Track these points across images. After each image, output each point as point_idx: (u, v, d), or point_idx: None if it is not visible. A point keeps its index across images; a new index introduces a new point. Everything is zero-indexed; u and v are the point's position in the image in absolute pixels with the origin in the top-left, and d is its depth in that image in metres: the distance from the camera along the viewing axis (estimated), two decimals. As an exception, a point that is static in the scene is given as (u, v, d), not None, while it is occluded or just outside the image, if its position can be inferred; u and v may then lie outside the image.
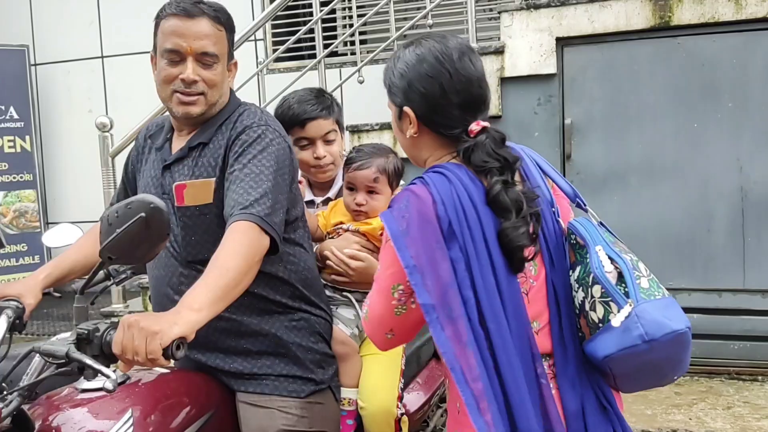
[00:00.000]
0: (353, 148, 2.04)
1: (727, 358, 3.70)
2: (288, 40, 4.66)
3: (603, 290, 1.33)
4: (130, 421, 1.44)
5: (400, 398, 1.90)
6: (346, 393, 1.86)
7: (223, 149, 1.70)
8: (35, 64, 6.20)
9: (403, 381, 1.94)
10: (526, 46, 3.75)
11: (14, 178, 5.93)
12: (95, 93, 6.07)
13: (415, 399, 2.07)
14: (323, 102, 2.06)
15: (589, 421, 1.37)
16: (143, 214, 1.32)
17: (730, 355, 3.70)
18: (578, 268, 1.40)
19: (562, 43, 3.72)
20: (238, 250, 1.51)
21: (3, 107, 5.89)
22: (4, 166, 5.85)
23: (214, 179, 1.69)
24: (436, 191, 1.35)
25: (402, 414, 1.88)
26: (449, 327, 1.29)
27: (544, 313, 1.40)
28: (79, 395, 1.49)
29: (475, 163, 1.38)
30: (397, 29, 4.18)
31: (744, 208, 3.58)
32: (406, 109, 1.45)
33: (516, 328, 1.33)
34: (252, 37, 5.30)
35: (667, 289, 1.36)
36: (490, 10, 4.98)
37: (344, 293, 1.97)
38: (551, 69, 3.72)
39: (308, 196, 2.14)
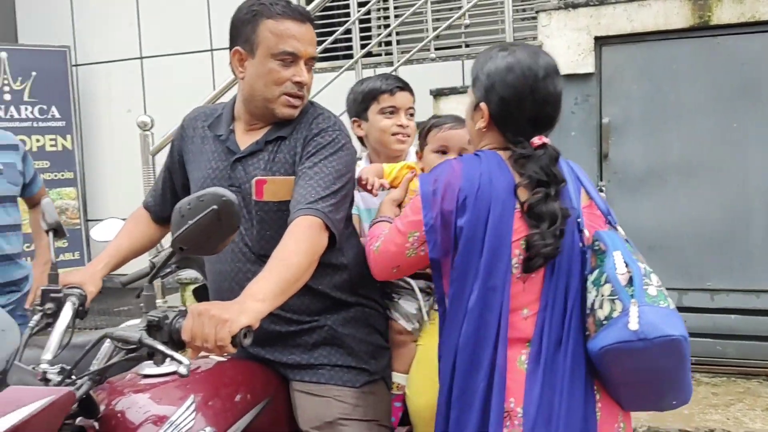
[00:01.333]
0: (431, 117, 2.12)
1: (765, 359, 3.67)
2: (324, 40, 4.72)
3: (612, 289, 1.44)
4: (192, 406, 1.50)
5: None
6: (396, 378, 1.91)
7: (300, 147, 1.75)
8: (76, 65, 6.34)
9: None
10: (563, 45, 3.75)
11: (56, 176, 6.08)
12: (134, 93, 6.20)
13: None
14: (405, 82, 2.20)
15: (559, 408, 1.47)
16: (215, 207, 1.37)
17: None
18: (596, 272, 1.51)
19: (600, 42, 3.72)
20: (302, 246, 1.57)
21: (45, 107, 6.05)
22: (46, 164, 6.00)
23: (293, 177, 1.74)
24: (466, 169, 1.56)
25: None
26: (443, 282, 1.60)
27: (536, 304, 1.52)
28: (142, 381, 1.55)
29: (527, 172, 1.53)
30: (434, 29, 4.21)
31: (784, 208, 3.55)
32: (483, 105, 1.60)
33: (486, 300, 1.51)
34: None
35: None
36: (523, 10, 4.98)
37: (407, 281, 2.00)
38: (589, 68, 3.72)
39: None
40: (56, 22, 6.36)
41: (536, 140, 1.56)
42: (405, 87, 2.16)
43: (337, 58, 5.43)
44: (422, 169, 1.96)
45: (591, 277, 1.52)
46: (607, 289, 1.45)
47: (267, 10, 1.71)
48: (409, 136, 2.14)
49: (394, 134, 2.11)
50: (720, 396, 3.46)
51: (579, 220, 1.57)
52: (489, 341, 1.50)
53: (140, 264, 2.21)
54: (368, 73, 4.60)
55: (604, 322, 1.43)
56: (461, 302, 1.54)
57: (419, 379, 1.90)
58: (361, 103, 2.16)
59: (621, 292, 1.42)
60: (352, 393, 1.76)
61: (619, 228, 1.64)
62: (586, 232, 1.57)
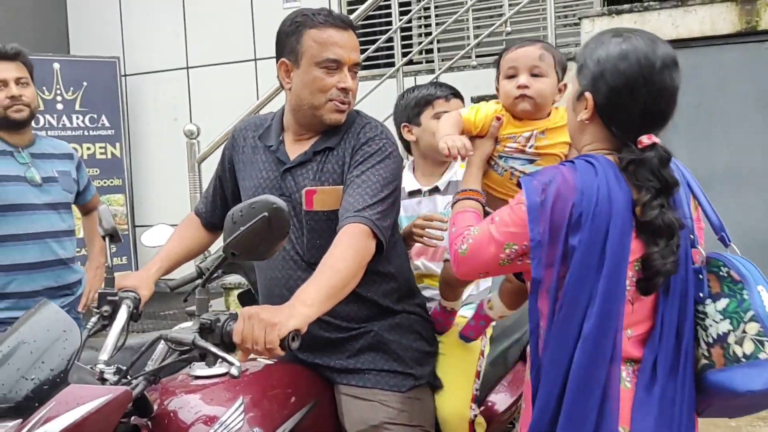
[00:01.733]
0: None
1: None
2: (366, 49, 4.78)
3: (761, 329, 1.35)
4: (241, 407, 1.54)
5: (474, 399, 1.91)
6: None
7: (348, 157, 1.78)
8: (125, 75, 6.53)
9: (478, 382, 1.96)
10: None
11: (105, 182, 6.26)
12: (180, 102, 6.35)
13: (501, 400, 2.10)
14: (456, 90, 2.20)
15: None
16: (266, 214, 1.41)
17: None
18: (726, 301, 1.41)
19: (645, 48, 3.70)
20: (350, 253, 1.60)
21: (95, 115, 6.24)
22: (96, 171, 6.18)
23: (342, 187, 1.76)
24: (581, 180, 1.39)
25: (475, 416, 1.90)
26: (543, 301, 1.43)
27: (645, 324, 1.43)
28: (193, 381, 1.60)
29: (638, 179, 1.39)
30: (475, 36, 4.23)
31: (835, 215, 3.47)
32: (588, 94, 1.44)
33: (602, 327, 1.37)
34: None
35: None
36: (565, 16, 4.97)
37: None
38: (633, 75, 3.70)
39: (413, 185, 2.19)
40: (106, 34, 6.57)
41: (645, 139, 1.40)
42: (458, 95, 2.18)
43: (378, 66, 5.48)
44: (504, 108, 1.74)
45: (715, 305, 1.42)
46: (753, 327, 1.36)
47: (309, 20, 1.75)
48: None
49: None
50: (769, 408, 3.39)
51: (692, 236, 1.46)
52: (603, 366, 1.39)
53: (188, 269, 2.28)
54: (410, 80, 4.65)
55: (743, 360, 1.36)
56: (571, 326, 1.40)
57: (447, 388, 1.89)
58: (413, 108, 2.18)
59: None
60: (397, 397, 1.77)
61: (732, 245, 1.50)
62: (701, 251, 1.46)
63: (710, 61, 3.59)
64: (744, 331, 1.37)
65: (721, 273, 1.44)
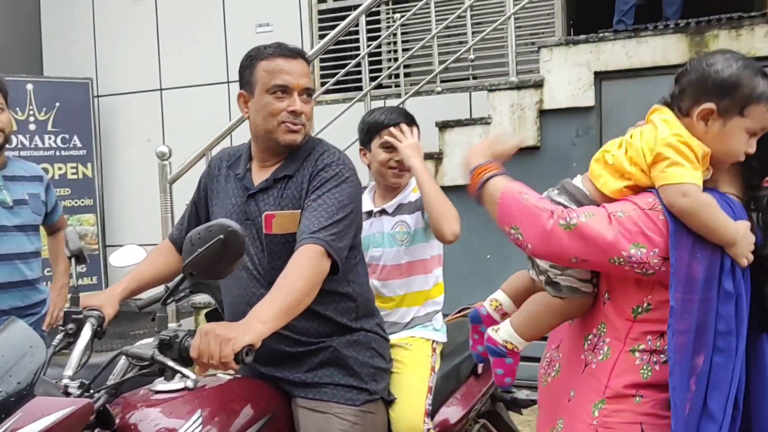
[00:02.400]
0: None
1: None
2: (336, 73, 4.90)
3: None
4: (200, 420, 1.61)
5: (427, 413, 2.02)
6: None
7: (306, 183, 1.88)
8: (98, 96, 6.59)
9: (430, 397, 2.06)
10: (564, 79, 3.90)
11: (76, 202, 6.28)
12: (153, 123, 6.42)
13: (453, 413, 2.20)
14: (410, 117, 2.31)
15: None
16: (222, 236, 1.51)
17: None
18: None
19: (600, 76, 3.87)
20: (304, 272, 1.69)
21: (67, 136, 6.28)
22: (67, 191, 6.21)
23: (299, 211, 1.86)
24: None
25: (429, 429, 2.00)
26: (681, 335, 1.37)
27: None
28: (153, 396, 1.67)
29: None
30: (440, 63, 4.38)
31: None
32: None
33: None
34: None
35: None
36: (525, 44, 5.15)
37: None
38: (589, 102, 3.86)
39: (368, 207, 2.30)
40: (80, 56, 6.64)
41: None
42: (410, 122, 2.27)
43: (349, 90, 5.61)
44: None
45: None
46: None
47: (261, 53, 1.89)
48: (408, 171, 2.25)
49: (391, 168, 2.24)
50: None
51: None
52: None
53: (157, 289, 2.35)
54: (378, 104, 4.77)
55: None
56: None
57: (399, 402, 2.00)
58: (366, 134, 2.30)
59: None
60: (352, 411, 1.86)
61: None
62: None
63: (662, 90, 3.67)
64: None
65: None
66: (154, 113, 6.43)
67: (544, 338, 1.72)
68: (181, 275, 1.64)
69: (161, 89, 6.42)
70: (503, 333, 1.63)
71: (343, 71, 4.55)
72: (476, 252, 4.14)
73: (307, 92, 1.89)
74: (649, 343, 1.43)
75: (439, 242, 2.32)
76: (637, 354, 1.44)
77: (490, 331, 1.66)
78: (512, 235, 1.46)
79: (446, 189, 4.14)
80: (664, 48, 3.72)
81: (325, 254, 1.74)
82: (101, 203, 6.53)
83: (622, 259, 1.37)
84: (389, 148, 2.24)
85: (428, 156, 4.24)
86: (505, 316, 1.73)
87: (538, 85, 3.97)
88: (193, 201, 2.13)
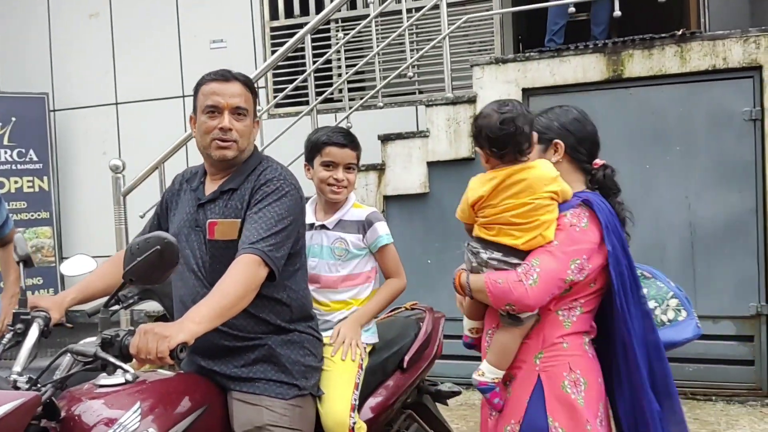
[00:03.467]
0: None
1: (683, 379, 4.02)
2: (285, 88, 5.11)
3: (678, 302, 2.12)
4: (138, 410, 1.79)
5: (353, 408, 2.19)
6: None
7: (248, 196, 2.08)
8: (54, 110, 6.67)
9: (357, 393, 2.24)
10: (495, 95, 4.15)
11: (32, 215, 6.36)
12: (109, 136, 6.52)
13: (377, 404, 2.39)
14: (350, 137, 2.49)
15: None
16: (158, 247, 1.70)
17: (686, 377, 4.02)
18: (646, 289, 2.10)
19: (528, 93, 4.15)
20: (239, 279, 1.89)
21: (23, 150, 6.36)
22: (23, 204, 6.28)
23: (239, 220, 2.06)
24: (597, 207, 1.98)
25: (354, 423, 2.17)
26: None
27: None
28: (96, 390, 1.84)
29: (609, 186, 2.09)
30: (382, 79, 4.62)
31: (693, 242, 3.95)
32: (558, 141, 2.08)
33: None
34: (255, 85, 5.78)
35: None
36: (460, 62, 5.41)
37: None
38: (519, 116, 4.12)
39: (310, 219, 2.46)
40: (35, 70, 6.71)
41: (598, 161, 2.15)
42: (347, 144, 2.44)
43: (301, 104, 5.82)
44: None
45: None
46: (674, 302, 2.12)
47: (203, 79, 2.12)
48: (345, 188, 2.44)
49: (329, 185, 2.42)
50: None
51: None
52: None
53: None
54: (325, 118, 4.99)
55: (666, 324, 2.10)
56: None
57: (326, 398, 2.19)
58: (309, 152, 2.50)
59: (686, 303, 2.14)
60: (281, 404, 2.05)
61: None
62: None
63: (583, 105, 3.92)
64: (667, 305, 2.12)
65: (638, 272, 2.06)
66: (110, 127, 6.53)
67: None
68: (122, 281, 1.83)
69: (117, 103, 6.52)
70: (488, 373, 2.05)
71: (290, 87, 4.75)
72: (417, 257, 4.37)
73: (238, 111, 2.07)
74: (568, 305, 1.99)
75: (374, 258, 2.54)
76: (560, 313, 1.99)
77: (476, 377, 2.06)
78: (511, 309, 1.95)
79: (388, 198, 4.43)
80: (585, 66, 4.01)
81: (261, 263, 1.94)
82: (58, 216, 6.61)
83: (573, 273, 1.93)
84: (329, 165, 2.43)
85: (371, 167, 4.47)
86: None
87: (472, 100, 4.23)
88: (156, 213, 2.33)
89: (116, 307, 2.60)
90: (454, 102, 4.31)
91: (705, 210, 3.92)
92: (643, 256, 4.04)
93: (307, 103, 5.53)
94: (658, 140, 3.98)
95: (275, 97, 5.86)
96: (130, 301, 2.91)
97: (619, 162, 4.02)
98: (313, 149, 2.48)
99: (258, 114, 2.20)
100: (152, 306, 4.31)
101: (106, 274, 2.24)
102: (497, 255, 2.00)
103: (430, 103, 4.41)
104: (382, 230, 2.47)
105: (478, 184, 2.04)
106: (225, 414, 2.06)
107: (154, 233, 1.78)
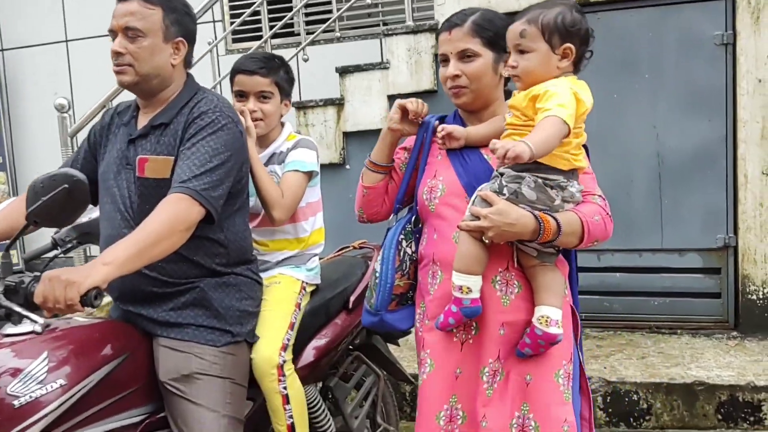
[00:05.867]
0: None
1: (648, 313, 3.98)
2: (233, 22, 4.86)
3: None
4: (46, 360, 1.66)
5: (284, 348, 2.06)
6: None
7: (181, 131, 1.91)
8: (2, 50, 6.35)
9: (291, 333, 2.12)
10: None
11: (-16, 160, 6.11)
12: (60, 76, 6.23)
13: (322, 347, 2.29)
14: (268, 63, 2.25)
15: None
16: (66, 185, 1.54)
17: (651, 311, 3.97)
18: None
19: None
20: (162, 217, 1.74)
21: (-28, 92, 6.07)
22: (-25, 149, 6.03)
23: (173, 158, 1.89)
24: None
25: (284, 361, 2.05)
26: None
27: None
28: (2, 339, 1.71)
29: None
30: (338, 9, 4.37)
31: (660, 173, 3.83)
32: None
33: None
34: (211, 19, 5.51)
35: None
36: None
37: None
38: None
39: None
40: (-20, 8, 6.36)
41: None
42: (257, 69, 2.22)
43: (255, 39, 5.55)
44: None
45: None
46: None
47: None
48: (262, 120, 2.23)
49: (243, 115, 2.20)
50: (603, 348, 3.75)
51: None
52: None
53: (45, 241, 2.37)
54: (289, 52, 4.73)
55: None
56: None
57: (260, 338, 2.06)
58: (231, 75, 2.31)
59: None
60: (212, 351, 1.93)
61: None
62: None
63: None
64: None
65: None
66: (61, 65, 6.23)
67: None
68: (26, 222, 1.67)
69: (66, 40, 6.21)
70: (457, 280, 1.78)
71: (239, 20, 4.49)
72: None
73: (130, 31, 1.90)
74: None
75: (317, 188, 2.37)
76: None
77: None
78: (595, 245, 1.84)
79: (349, 134, 4.24)
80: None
81: (193, 202, 1.79)
82: (12, 160, 6.36)
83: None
84: (240, 96, 2.25)
85: (329, 102, 4.27)
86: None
87: (433, 29, 4.01)
88: (83, 146, 2.15)
89: (54, 252, 2.45)
90: (414, 31, 4.09)
91: (673, 140, 3.79)
92: (609, 189, 3.89)
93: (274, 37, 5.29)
94: (627, 67, 3.81)
95: (235, 32, 5.60)
96: (69, 245, 2.75)
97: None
98: (231, 80, 2.30)
99: (178, 35, 1.98)
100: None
101: (11, 215, 2.06)
102: (576, 185, 1.80)
103: (389, 32, 4.19)
104: (298, 156, 2.25)
105: (586, 90, 1.82)
106: (150, 363, 1.94)
107: (62, 170, 1.62)
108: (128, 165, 1.95)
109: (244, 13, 5.53)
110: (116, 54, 1.91)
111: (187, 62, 2.05)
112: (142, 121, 1.99)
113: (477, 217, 1.73)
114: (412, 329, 2.04)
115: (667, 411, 3.28)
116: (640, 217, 3.87)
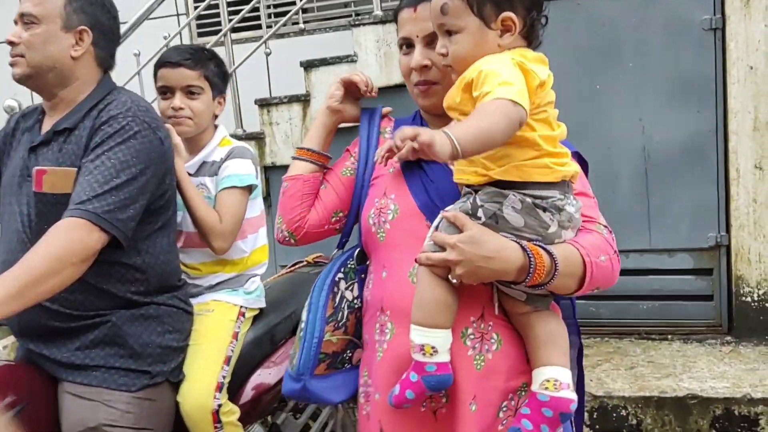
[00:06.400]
0: None
1: (636, 317, 3.74)
2: (210, 14, 4.58)
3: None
4: None
5: (219, 388, 1.81)
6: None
7: (85, 138, 1.65)
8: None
9: (227, 368, 1.86)
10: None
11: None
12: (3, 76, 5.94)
13: (266, 380, 2.03)
14: (195, 54, 1.98)
15: None
16: None
17: (640, 315, 3.73)
18: None
19: (464, 7, 3.66)
20: (49, 250, 1.48)
21: (-76, 94, 5.76)
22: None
23: (75, 169, 1.63)
24: None
25: (220, 405, 1.79)
26: None
27: None
28: None
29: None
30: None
31: (647, 169, 3.58)
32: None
33: None
34: (174, 12, 5.24)
35: None
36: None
37: None
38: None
39: None
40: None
41: None
42: (182, 61, 1.94)
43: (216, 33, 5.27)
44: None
45: None
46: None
47: None
48: (190, 119, 1.96)
49: (168, 117, 1.96)
50: (590, 357, 3.50)
51: None
52: None
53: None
54: (240, 48, 4.45)
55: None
56: None
57: (188, 380, 1.80)
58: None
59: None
60: (125, 398, 1.66)
61: None
62: None
63: None
64: None
65: None
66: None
67: None
68: None
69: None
70: (417, 338, 1.29)
71: (195, 12, 4.20)
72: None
73: (24, 18, 1.67)
74: None
75: (258, 201, 2.10)
76: None
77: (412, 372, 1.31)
78: (594, 292, 1.39)
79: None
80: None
81: (92, 228, 1.53)
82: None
83: None
84: (165, 93, 1.99)
85: (294, 99, 4.00)
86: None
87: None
88: None
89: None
90: (383, 21, 3.82)
91: (660, 133, 3.53)
92: (593, 187, 3.68)
93: (245, 29, 5.01)
94: (610, 56, 3.54)
95: (199, 25, 5.32)
96: None
97: (566, 82, 3.64)
98: (153, 76, 2.03)
99: (82, 24, 1.70)
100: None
101: None
102: (573, 202, 1.35)
103: (356, 23, 3.91)
104: (233, 169, 1.96)
105: (538, 61, 1.31)
106: (56, 413, 1.68)
107: None
108: (29, 177, 1.68)
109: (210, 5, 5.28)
110: (10, 44, 1.67)
111: (104, 60, 1.79)
112: (46, 126, 1.73)
113: (442, 248, 1.27)
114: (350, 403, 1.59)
115: (659, 427, 3.05)
116: (626, 216, 3.62)
